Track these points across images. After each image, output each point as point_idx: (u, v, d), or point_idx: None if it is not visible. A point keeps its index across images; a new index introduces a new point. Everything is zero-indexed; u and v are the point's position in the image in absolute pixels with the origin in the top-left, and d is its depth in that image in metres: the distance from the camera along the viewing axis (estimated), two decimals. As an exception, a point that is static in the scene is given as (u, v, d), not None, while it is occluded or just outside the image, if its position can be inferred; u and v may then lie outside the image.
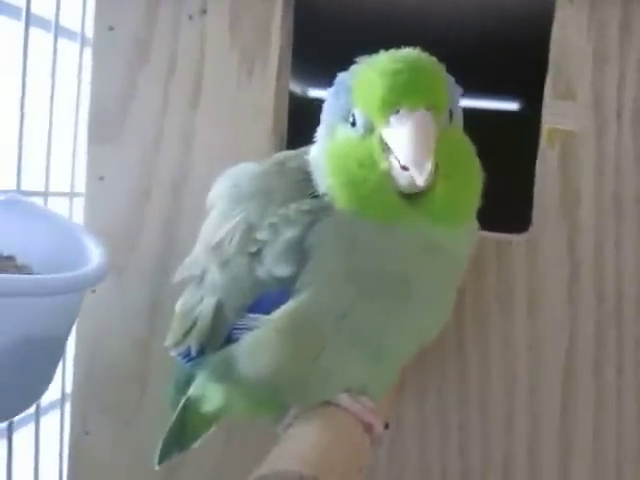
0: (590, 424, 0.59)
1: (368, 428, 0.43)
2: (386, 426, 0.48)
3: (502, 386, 0.60)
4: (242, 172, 0.48)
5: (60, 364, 0.69)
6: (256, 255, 0.44)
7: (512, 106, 1.28)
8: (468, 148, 0.45)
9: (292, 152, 0.50)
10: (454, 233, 0.43)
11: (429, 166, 0.39)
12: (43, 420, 0.70)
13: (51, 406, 0.72)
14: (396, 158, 0.40)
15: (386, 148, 0.41)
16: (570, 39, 0.58)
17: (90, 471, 0.66)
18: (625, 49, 0.58)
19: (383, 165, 0.41)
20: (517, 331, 0.59)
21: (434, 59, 0.43)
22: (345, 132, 0.43)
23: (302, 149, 0.49)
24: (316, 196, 0.44)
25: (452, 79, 0.44)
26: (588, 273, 0.58)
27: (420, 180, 0.39)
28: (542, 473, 0.60)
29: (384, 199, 0.41)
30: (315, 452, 0.35)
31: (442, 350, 0.60)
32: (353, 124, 0.42)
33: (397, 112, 0.40)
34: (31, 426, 0.69)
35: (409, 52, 0.43)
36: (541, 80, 0.59)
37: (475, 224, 0.47)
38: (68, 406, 0.69)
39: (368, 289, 0.42)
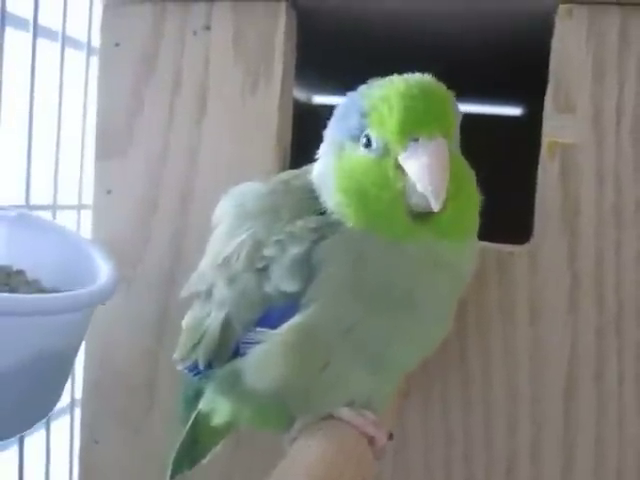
0: (592, 432, 0.60)
1: (371, 441, 0.44)
2: (390, 436, 0.49)
3: (505, 394, 0.60)
4: (247, 191, 0.49)
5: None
6: (263, 271, 0.45)
7: (515, 111, 1.28)
8: (468, 170, 0.46)
9: (296, 171, 0.51)
10: (459, 249, 0.45)
11: (444, 193, 0.41)
12: (53, 425, 0.71)
13: (61, 412, 0.73)
14: (412, 182, 0.42)
15: (401, 171, 0.42)
16: (569, 51, 0.59)
17: (99, 478, 0.67)
18: (624, 60, 0.58)
19: (398, 186, 0.42)
20: (519, 340, 0.60)
21: (443, 86, 0.44)
22: (356, 152, 0.44)
23: (305, 168, 0.50)
24: (322, 213, 0.45)
25: (457, 105, 0.45)
26: (589, 283, 0.59)
27: (436, 206, 0.41)
28: (544, 478, 0.60)
29: (396, 217, 0.43)
30: (320, 467, 0.36)
31: (445, 359, 0.61)
32: (367, 145, 0.44)
33: (415, 140, 0.42)
34: (42, 432, 0.70)
35: (422, 79, 0.44)
36: (543, 86, 0.60)
37: (476, 241, 0.48)
38: (78, 412, 0.70)
39: (374, 304, 0.43)
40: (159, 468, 0.57)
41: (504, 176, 0.86)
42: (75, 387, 0.72)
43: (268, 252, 0.45)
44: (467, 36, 0.77)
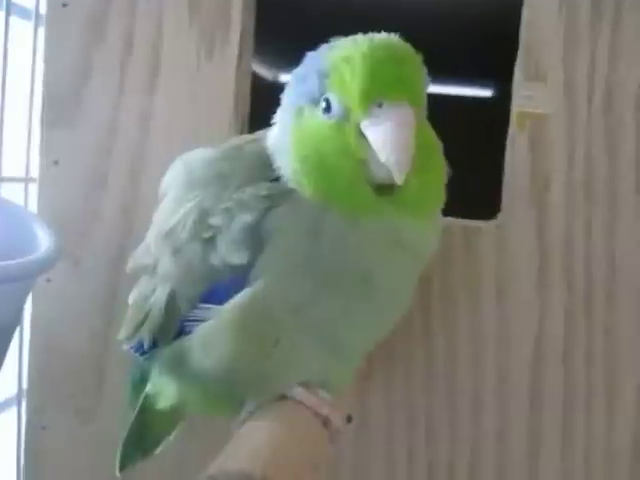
0: (559, 412, 0.58)
1: (326, 422, 0.41)
2: (349, 419, 0.46)
3: (470, 373, 0.58)
4: (196, 158, 0.46)
5: (17, 360, 0.67)
6: (210, 242, 0.42)
7: (486, 93, 1.26)
8: (436, 141, 0.44)
9: (250, 136, 0.48)
10: (421, 227, 0.42)
11: (409, 164, 0.38)
12: (1, 417, 0.68)
13: (8, 403, 0.70)
14: (374, 151, 0.39)
15: (363, 138, 0.39)
16: (541, 19, 0.57)
17: (47, 466, 0.64)
18: (596, 30, 0.56)
19: (359, 155, 0.39)
20: (485, 318, 0.58)
21: (412, 48, 0.41)
22: (316, 117, 0.41)
23: (260, 132, 0.47)
24: (276, 180, 0.42)
25: (426, 70, 0.42)
26: (558, 259, 0.57)
27: (399, 178, 0.38)
28: (510, 461, 0.59)
29: (356, 189, 0.40)
30: (267, 450, 0.33)
31: (409, 337, 0.58)
32: (327, 109, 0.40)
33: (379, 105, 0.38)
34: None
35: (389, 39, 0.41)
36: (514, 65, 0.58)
37: (440, 218, 0.46)
38: (25, 402, 0.67)
39: (327, 282, 0.41)
40: (110, 454, 0.54)
41: (478, 158, 0.84)
42: (23, 377, 0.68)
43: (215, 221, 0.41)
44: (438, 8, 0.74)
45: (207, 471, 0.32)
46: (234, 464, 0.31)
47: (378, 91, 0.39)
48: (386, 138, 0.38)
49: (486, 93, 1.27)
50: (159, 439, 0.53)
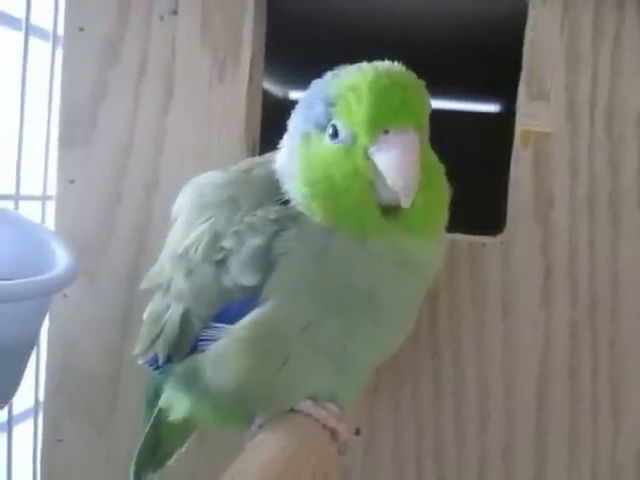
0: (565, 425, 0.59)
1: (334, 434, 0.43)
2: (357, 432, 0.47)
3: (476, 388, 0.59)
4: (207, 181, 0.47)
5: (34, 372, 0.69)
6: (222, 264, 0.43)
7: (493, 108, 1.27)
8: (437, 163, 0.45)
9: (258, 159, 0.49)
10: (426, 246, 0.43)
11: (415, 188, 0.39)
12: (17, 429, 0.69)
13: (25, 415, 0.71)
14: (381, 175, 0.40)
15: (370, 161, 0.40)
16: (543, 40, 0.58)
17: (63, 478, 0.65)
18: (598, 49, 0.57)
19: (367, 176, 0.41)
20: (491, 333, 0.59)
21: (414, 75, 0.43)
22: (323, 142, 0.42)
23: (268, 155, 0.48)
24: (284, 204, 0.44)
25: (428, 95, 0.43)
26: (562, 275, 0.58)
27: (406, 202, 0.40)
28: (517, 475, 0.59)
29: (364, 210, 0.41)
30: (277, 463, 0.34)
31: (416, 353, 0.59)
32: (334, 135, 0.42)
33: (385, 131, 0.40)
34: (3, 436, 0.68)
35: (392, 67, 0.42)
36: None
37: (444, 237, 0.47)
38: (42, 415, 0.68)
39: (335, 302, 0.42)
40: (124, 467, 0.55)
41: (487, 174, 0.85)
42: (39, 390, 0.70)
43: (226, 244, 0.43)
44: (443, 27, 0.76)
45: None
46: (245, 477, 0.32)
47: (384, 119, 0.40)
48: (393, 164, 0.39)
49: (496, 109, 1.28)
50: (171, 451, 0.54)
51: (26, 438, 0.71)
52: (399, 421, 0.60)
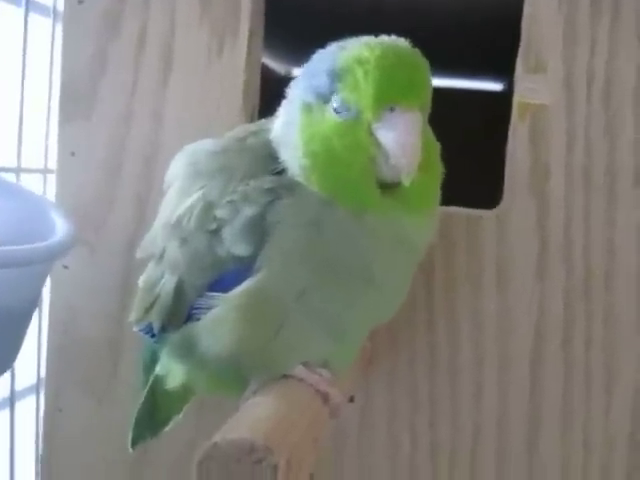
0: (559, 397, 0.59)
1: (326, 399, 0.43)
2: (351, 399, 0.48)
3: (471, 360, 0.60)
4: (200, 149, 0.47)
5: (35, 347, 0.70)
6: (215, 233, 0.43)
7: (497, 87, 1.27)
8: (435, 142, 0.45)
9: (253, 126, 0.49)
10: (421, 224, 0.44)
11: (416, 166, 0.40)
12: (20, 404, 0.70)
13: (27, 391, 0.72)
14: (384, 152, 0.41)
15: (374, 137, 0.41)
16: (541, 13, 0.58)
17: (64, 447, 0.66)
18: (596, 22, 0.57)
19: (370, 152, 0.41)
20: (486, 305, 0.59)
21: (419, 53, 0.42)
22: (326, 115, 0.42)
23: (262, 122, 0.48)
24: (278, 173, 0.44)
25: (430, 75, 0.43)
26: (557, 247, 0.58)
27: (407, 180, 0.40)
28: (510, 444, 0.60)
29: (364, 185, 0.42)
30: (269, 422, 0.35)
31: (412, 324, 0.60)
32: (338, 109, 0.42)
33: (391, 109, 0.40)
34: (6, 412, 0.69)
35: (399, 44, 0.42)
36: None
37: (436, 215, 0.47)
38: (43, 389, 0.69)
39: (329, 272, 0.42)
40: (124, 435, 0.56)
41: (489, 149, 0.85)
42: (41, 363, 0.71)
43: (220, 213, 0.43)
44: (444, 6, 0.75)
45: (210, 440, 0.33)
46: (237, 433, 0.33)
47: (391, 96, 0.40)
48: (398, 142, 0.40)
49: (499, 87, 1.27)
50: (169, 417, 0.55)
51: (29, 413, 0.72)
52: (394, 391, 0.61)
